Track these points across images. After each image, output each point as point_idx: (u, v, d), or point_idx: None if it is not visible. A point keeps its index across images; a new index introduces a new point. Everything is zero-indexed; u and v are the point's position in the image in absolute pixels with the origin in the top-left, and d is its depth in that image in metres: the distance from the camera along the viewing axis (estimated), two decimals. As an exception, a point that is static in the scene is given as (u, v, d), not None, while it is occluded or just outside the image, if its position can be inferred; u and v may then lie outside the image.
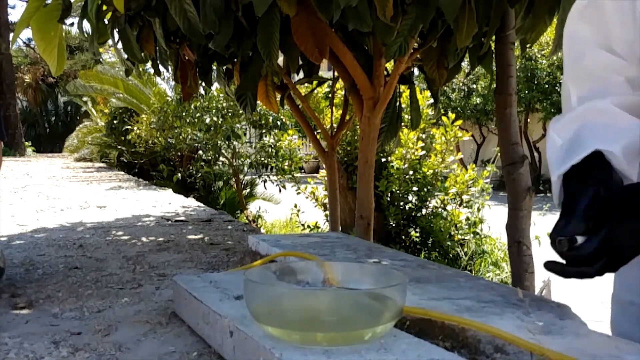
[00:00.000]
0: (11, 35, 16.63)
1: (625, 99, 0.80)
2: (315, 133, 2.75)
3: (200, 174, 6.85)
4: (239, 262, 1.59)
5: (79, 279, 1.40)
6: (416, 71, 2.69)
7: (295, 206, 5.43)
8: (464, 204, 5.09)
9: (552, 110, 11.05)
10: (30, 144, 18.46)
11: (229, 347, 0.77)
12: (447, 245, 4.82)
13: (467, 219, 5.04)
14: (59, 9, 1.82)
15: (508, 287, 0.99)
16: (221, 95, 5.89)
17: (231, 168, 6.53)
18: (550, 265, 0.66)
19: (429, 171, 4.93)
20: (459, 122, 5.01)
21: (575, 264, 0.65)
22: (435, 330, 0.78)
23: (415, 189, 4.89)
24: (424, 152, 4.93)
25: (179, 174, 6.90)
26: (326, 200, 4.98)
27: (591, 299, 3.38)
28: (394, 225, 4.91)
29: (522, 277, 2.20)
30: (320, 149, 2.62)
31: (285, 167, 5.98)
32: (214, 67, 2.30)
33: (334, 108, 3.13)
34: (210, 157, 6.51)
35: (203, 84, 2.33)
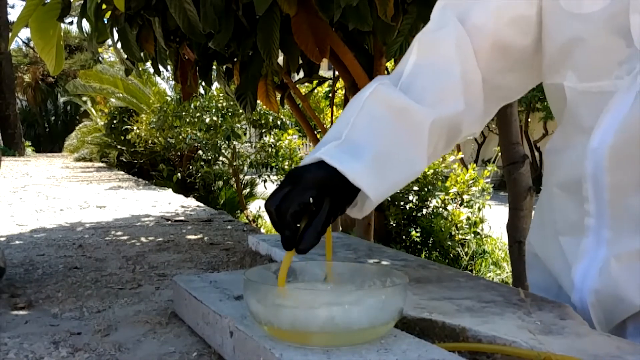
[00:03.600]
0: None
1: (446, 117, 0.81)
2: (316, 133, 2.74)
3: (200, 174, 6.86)
4: (238, 262, 1.58)
5: (78, 279, 1.39)
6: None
7: (296, 206, 5.42)
8: (465, 204, 5.09)
9: (553, 109, 11.02)
10: (29, 144, 18.47)
11: (229, 347, 0.77)
12: (447, 245, 4.82)
13: (468, 218, 5.04)
14: (58, 8, 1.81)
15: (509, 287, 0.99)
16: (221, 94, 5.89)
17: (231, 168, 6.53)
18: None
19: (429, 171, 4.93)
20: (460, 121, 5.00)
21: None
22: (435, 331, 0.78)
23: (415, 188, 4.89)
24: (424, 151, 4.92)
25: (179, 174, 6.91)
26: (326, 200, 4.97)
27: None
28: (394, 225, 4.91)
29: (522, 277, 2.20)
30: (320, 148, 2.62)
31: (285, 167, 5.97)
32: (214, 67, 2.30)
33: (334, 107, 3.13)
34: (210, 157, 6.51)
35: (203, 83, 2.33)
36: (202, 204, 3.54)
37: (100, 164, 10.20)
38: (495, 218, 5.03)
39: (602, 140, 0.72)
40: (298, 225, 0.72)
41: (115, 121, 8.98)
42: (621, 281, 0.74)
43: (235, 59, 2.14)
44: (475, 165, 5.27)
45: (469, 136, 0.89)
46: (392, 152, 0.78)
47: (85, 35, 2.12)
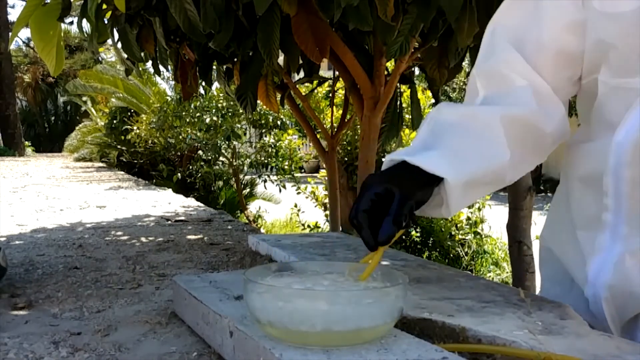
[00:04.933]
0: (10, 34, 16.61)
1: (518, 115, 0.81)
2: (316, 133, 2.74)
3: (200, 174, 6.85)
4: (238, 262, 1.58)
5: (78, 279, 1.39)
6: (417, 71, 2.69)
7: (296, 206, 5.42)
8: (465, 204, 5.09)
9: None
10: (29, 144, 18.46)
11: (229, 347, 0.77)
12: (447, 245, 4.82)
13: (468, 218, 5.04)
14: (58, 9, 1.81)
15: (509, 287, 0.99)
16: (221, 94, 5.89)
17: (231, 168, 6.52)
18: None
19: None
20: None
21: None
22: (435, 331, 0.78)
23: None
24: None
25: (179, 174, 6.90)
26: (326, 200, 4.98)
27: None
28: (394, 225, 4.90)
29: (522, 277, 2.20)
30: (321, 148, 2.62)
31: (285, 166, 5.98)
32: (214, 67, 2.30)
33: (334, 108, 3.13)
34: (210, 157, 6.51)
35: (203, 83, 2.33)
36: (202, 204, 3.54)
37: (101, 164, 10.20)
38: (495, 218, 5.02)
39: (626, 135, 0.73)
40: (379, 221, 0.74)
41: (115, 121, 8.97)
42: (635, 277, 0.75)
43: (235, 59, 2.14)
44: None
45: (562, 140, 0.87)
46: (464, 145, 0.79)
47: (86, 35, 2.12)
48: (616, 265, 0.76)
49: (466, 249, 4.91)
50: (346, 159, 5.08)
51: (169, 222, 2.61)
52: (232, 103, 5.80)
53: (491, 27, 0.88)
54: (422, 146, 0.79)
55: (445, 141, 0.79)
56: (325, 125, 2.75)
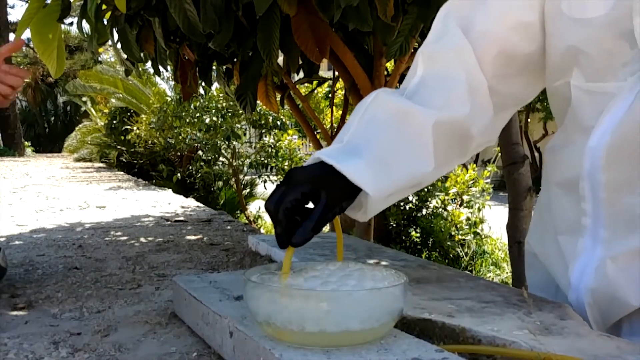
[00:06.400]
0: (10, 35, 16.62)
1: (450, 119, 0.80)
2: (315, 133, 2.74)
3: (199, 174, 6.85)
4: (238, 263, 1.58)
5: (78, 279, 1.39)
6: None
7: (295, 206, 5.41)
8: (465, 204, 5.09)
9: (552, 110, 11.02)
10: (29, 144, 18.47)
11: (229, 348, 0.77)
12: (447, 246, 4.82)
13: (468, 219, 5.04)
14: (57, 11, 1.81)
15: (509, 288, 0.99)
16: (221, 95, 5.89)
17: (231, 168, 6.52)
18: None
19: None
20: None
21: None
22: (435, 331, 0.78)
23: (415, 188, 4.89)
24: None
25: (179, 174, 6.90)
26: (326, 200, 4.96)
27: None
28: (394, 225, 4.91)
29: (522, 277, 2.20)
30: (321, 149, 2.62)
31: (285, 167, 5.97)
32: (214, 67, 2.30)
33: (334, 108, 3.13)
34: (210, 157, 6.51)
35: (203, 83, 2.33)
36: (202, 204, 3.54)
37: (100, 165, 10.20)
38: (495, 218, 5.02)
39: (600, 139, 0.72)
40: (298, 221, 0.72)
41: (115, 121, 8.97)
42: (617, 281, 0.74)
43: (235, 59, 2.14)
44: (475, 165, 5.27)
45: (486, 144, 0.87)
46: (392, 152, 0.77)
47: (85, 35, 2.11)
48: (597, 270, 0.76)
49: (466, 250, 4.91)
50: (346, 159, 5.08)
51: (169, 222, 2.61)
52: (232, 103, 5.80)
53: (445, 10, 0.88)
54: (350, 148, 0.77)
55: (374, 146, 0.77)
56: (325, 126, 2.75)
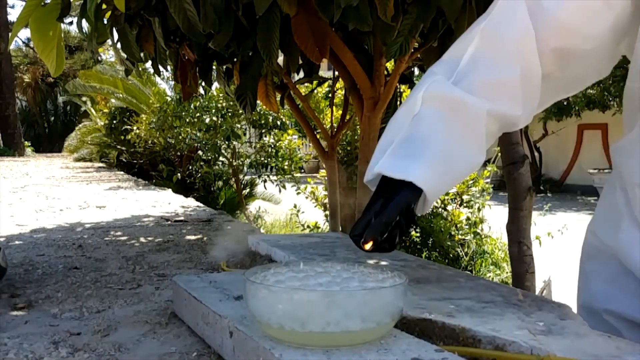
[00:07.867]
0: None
1: (501, 113, 0.80)
2: (315, 133, 2.74)
3: (199, 174, 6.85)
4: (238, 263, 1.58)
5: (78, 279, 1.39)
6: (417, 71, 2.68)
7: (295, 206, 5.42)
8: (465, 204, 5.09)
9: (553, 110, 11.02)
10: (29, 144, 18.47)
11: (229, 348, 0.77)
12: (447, 246, 4.81)
13: (468, 219, 5.04)
14: (57, 9, 1.81)
15: (509, 288, 0.99)
16: (221, 95, 5.89)
17: (231, 168, 6.52)
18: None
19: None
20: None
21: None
22: (435, 331, 0.78)
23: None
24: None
25: (179, 174, 6.90)
26: (326, 200, 4.97)
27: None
28: (394, 225, 4.89)
29: (522, 277, 2.20)
30: (320, 149, 2.62)
31: (285, 167, 5.97)
32: (214, 67, 2.30)
33: (334, 108, 3.13)
34: (210, 157, 6.51)
35: (203, 83, 2.33)
36: (202, 204, 3.54)
37: (100, 164, 10.20)
38: (495, 218, 5.02)
39: None
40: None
41: (115, 121, 8.97)
42: None
43: (235, 59, 2.14)
44: (475, 165, 5.26)
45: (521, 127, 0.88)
46: (449, 147, 0.79)
47: (85, 35, 2.11)
48: None
49: (466, 249, 4.90)
50: (346, 159, 5.08)
51: (169, 222, 2.61)
52: (232, 103, 5.79)
53: None
54: (405, 151, 0.79)
55: (430, 144, 0.78)
56: (325, 126, 2.75)
